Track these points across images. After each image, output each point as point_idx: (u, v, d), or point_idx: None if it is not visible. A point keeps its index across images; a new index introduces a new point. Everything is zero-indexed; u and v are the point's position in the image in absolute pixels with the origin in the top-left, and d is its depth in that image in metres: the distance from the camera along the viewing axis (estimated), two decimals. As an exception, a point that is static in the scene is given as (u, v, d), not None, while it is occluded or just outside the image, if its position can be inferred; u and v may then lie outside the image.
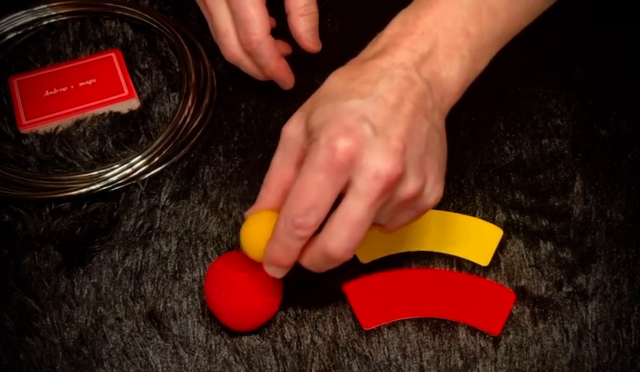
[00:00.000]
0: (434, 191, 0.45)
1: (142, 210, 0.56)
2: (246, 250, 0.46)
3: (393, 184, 0.42)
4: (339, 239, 0.42)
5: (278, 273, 0.45)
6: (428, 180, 0.44)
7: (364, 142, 0.41)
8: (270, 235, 0.44)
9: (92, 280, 0.53)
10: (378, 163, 0.41)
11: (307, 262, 0.45)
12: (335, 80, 0.45)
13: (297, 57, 0.62)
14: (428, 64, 0.46)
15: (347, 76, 0.45)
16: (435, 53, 0.46)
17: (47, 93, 0.62)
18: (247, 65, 0.60)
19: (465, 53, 0.47)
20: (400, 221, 0.47)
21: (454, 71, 0.47)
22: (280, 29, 0.61)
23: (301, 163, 0.44)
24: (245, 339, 0.50)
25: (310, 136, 0.43)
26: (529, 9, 0.50)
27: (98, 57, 0.65)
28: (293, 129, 0.46)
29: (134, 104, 0.62)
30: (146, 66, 0.65)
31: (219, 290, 0.48)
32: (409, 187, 0.43)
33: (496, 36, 0.49)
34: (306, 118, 0.45)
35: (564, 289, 0.51)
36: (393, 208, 0.44)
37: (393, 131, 0.42)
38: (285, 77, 0.61)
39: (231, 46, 0.59)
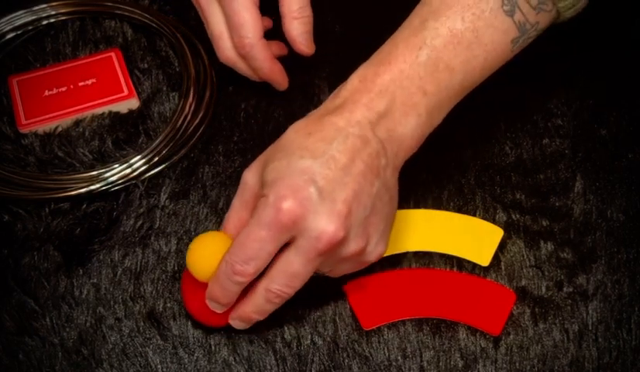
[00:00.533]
0: (376, 249, 0.47)
1: (141, 210, 0.56)
2: (190, 270, 0.48)
3: (335, 246, 0.44)
4: (279, 285, 0.46)
5: (217, 309, 0.48)
6: (370, 241, 0.47)
7: (309, 206, 0.43)
8: (210, 257, 0.47)
9: (92, 281, 0.52)
10: (321, 226, 0.43)
11: (250, 307, 0.47)
12: (293, 135, 0.47)
13: (297, 57, 0.62)
14: (384, 123, 0.47)
15: (304, 131, 0.46)
16: (391, 111, 0.47)
17: (47, 93, 0.62)
18: (242, 67, 0.60)
19: (421, 111, 0.48)
20: (341, 271, 0.49)
21: (409, 128, 0.48)
22: (277, 30, 0.61)
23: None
24: (244, 339, 0.50)
25: (263, 188, 0.46)
26: (488, 64, 0.50)
27: (98, 57, 0.65)
28: (251, 177, 0.48)
29: (134, 104, 0.62)
30: (146, 65, 0.65)
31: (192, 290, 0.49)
32: (350, 248, 0.46)
33: (453, 92, 0.49)
34: (262, 169, 0.47)
35: (564, 289, 0.51)
36: (333, 262, 0.47)
37: (340, 194, 0.44)
38: (279, 79, 0.61)
39: (225, 49, 0.59)
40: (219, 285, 0.46)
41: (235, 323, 0.49)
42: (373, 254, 0.48)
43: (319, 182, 0.44)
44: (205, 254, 0.47)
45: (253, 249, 0.44)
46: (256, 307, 0.47)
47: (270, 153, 0.47)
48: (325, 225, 0.43)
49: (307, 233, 0.44)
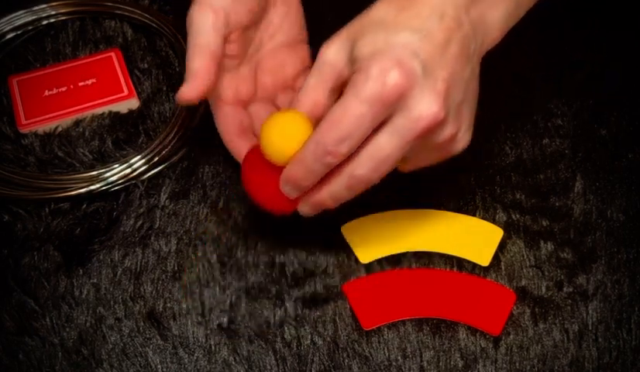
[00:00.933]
0: (464, 137, 0.45)
1: (141, 210, 0.56)
2: (266, 151, 0.46)
3: (434, 128, 0.42)
4: (366, 170, 0.43)
5: (292, 193, 0.45)
6: (461, 127, 0.44)
7: (414, 80, 0.41)
8: (290, 137, 0.44)
9: (92, 281, 0.52)
10: (424, 106, 0.41)
11: (327, 193, 0.45)
12: (385, 9, 0.43)
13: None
14: (478, 6, 0.44)
15: (397, 5, 0.43)
16: None
17: (47, 93, 0.62)
18: None
19: None
20: (424, 162, 0.47)
21: (497, 16, 0.45)
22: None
23: (335, 89, 0.44)
24: (244, 339, 0.50)
25: (354, 63, 0.42)
26: None
27: (98, 57, 0.65)
28: (334, 54, 0.44)
29: (134, 104, 0.62)
30: (146, 65, 0.65)
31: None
32: (446, 132, 0.43)
33: None
34: (350, 44, 0.43)
35: (564, 289, 0.51)
36: (423, 148, 0.44)
37: (440, 73, 0.41)
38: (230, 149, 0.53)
39: None
40: (304, 167, 0.43)
41: (305, 209, 0.46)
42: (461, 143, 0.45)
43: (422, 56, 0.41)
44: (285, 135, 0.44)
45: (349, 126, 0.41)
46: (335, 193, 0.44)
47: (356, 28, 0.44)
48: (427, 103, 0.41)
49: (408, 112, 0.41)
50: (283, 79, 0.55)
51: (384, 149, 0.42)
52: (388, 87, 0.40)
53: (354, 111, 0.41)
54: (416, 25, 0.42)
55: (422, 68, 0.41)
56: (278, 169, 0.46)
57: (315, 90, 0.45)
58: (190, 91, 0.45)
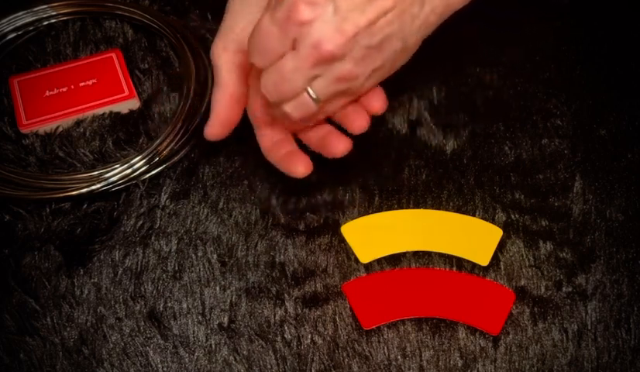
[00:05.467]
0: (367, 82, 0.48)
1: (142, 210, 0.56)
2: None
3: (327, 61, 0.45)
4: (269, 84, 0.46)
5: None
6: (364, 72, 0.47)
7: (321, 15, 0.44)
8: None
9: (92, 280, 0.53)
10: (323, 36, 0.44)
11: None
12: None
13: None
14: None
15: None
16: None
17: (47, 93, 0.62)
18: None
19: None
20: (335, 105, 0.50)
21: None
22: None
23: None
24: (245, 338, 0.50)
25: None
26: None
27: (98, 57, 0.65)
28: None
29: (134, 104, 0.62)
30: (146, 66, 0.65)
31: None
32: (344, 69, 0.46)
33: None
34: None
35: (564, 289, 0.51)
36: (328, 83, 0.47)
37: (355, 17, 0.44)
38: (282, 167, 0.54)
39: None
40: None
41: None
42: (364, 87, 0.48)
43: (338, 2, 0.44)
44: None
45: (260, 40, 0.45)
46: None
47: None
48: (327, 35, 0.44)
49: (307, 38, 0.44)
50: None
51: (285, 66, 0.45)
52: (293, 13, 0.43)
53: (264, 28, 0.45)
54: None
55: (334, 10, 0.44)
56: None
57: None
58: (213, 129, 0.49)
